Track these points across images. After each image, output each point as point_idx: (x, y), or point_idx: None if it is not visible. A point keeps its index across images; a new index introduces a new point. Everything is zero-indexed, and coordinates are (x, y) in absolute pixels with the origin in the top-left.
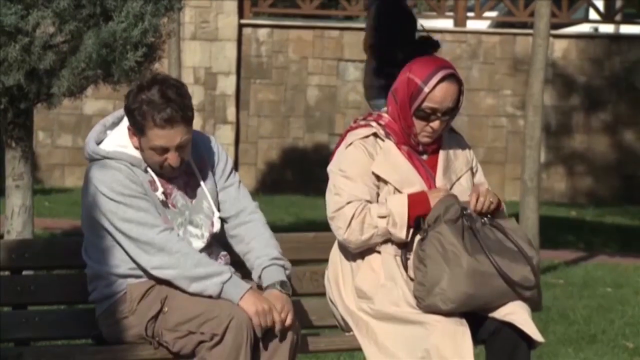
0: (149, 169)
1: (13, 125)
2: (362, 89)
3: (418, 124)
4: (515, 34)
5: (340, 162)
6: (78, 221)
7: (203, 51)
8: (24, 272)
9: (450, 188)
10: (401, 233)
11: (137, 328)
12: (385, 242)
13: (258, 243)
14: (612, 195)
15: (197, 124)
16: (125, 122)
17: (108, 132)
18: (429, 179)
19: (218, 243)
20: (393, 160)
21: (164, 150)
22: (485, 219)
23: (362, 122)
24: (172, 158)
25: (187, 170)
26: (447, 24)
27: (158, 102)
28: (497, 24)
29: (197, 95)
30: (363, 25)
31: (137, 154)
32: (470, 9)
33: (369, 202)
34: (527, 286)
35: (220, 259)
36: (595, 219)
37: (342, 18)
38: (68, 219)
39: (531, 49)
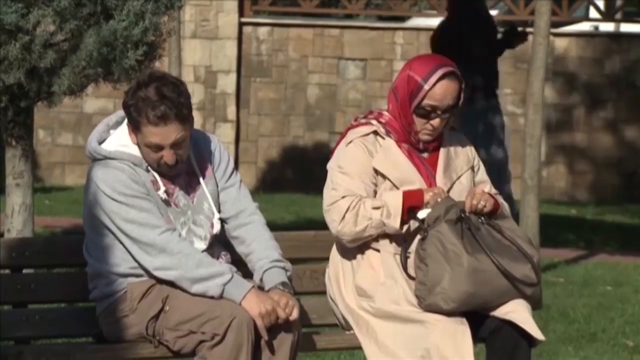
0: (150, 169)
1: (13, 123)
2: (362, 87)
3: (418, 122)
4: None
5: (339, 159)
6: (78, 219)
7: (203, 49)
8: (24, 271)
9: (451, 186)
10: (395, 222)
11: (137, 327)
12: (384, 240)
13: (258, 245)
14: (613, 194)
15: (197, 122)
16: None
17: (111, 131)
18: (429, 177)
19: (219, 243)
20: (393, 158)
21: (159, 147)
22: (483, 218)
23: (363, 120)
24: (168, 156)
25: (188, 170)
26: None
27: (153, 99)
28: (498, 22)
29: (197, 94)
30: (363, 23)
31: (138, 153)
32: None
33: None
34: (529, 283)
35: (221, 258)
36: (595, 218)
37: (343, 16)
38: (68, 217)
39: (531, 48)
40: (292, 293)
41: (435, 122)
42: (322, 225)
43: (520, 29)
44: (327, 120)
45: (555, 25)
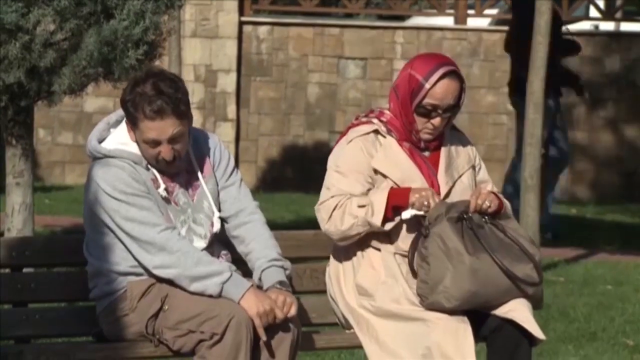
0: (150, 166)
1: (13, 122)
2: (362, 86)
3: (419, 121)
4: None
5: (337, 157)
6: (78, 219)
7: (203, 49)
8: (25, 270)
9: (452, 185)
10: (377, 220)
11: (137, 326)
12: (385, 239)
13: (257, 244)
14: (613, 193)
15: (197, 121)
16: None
17: (111, 130)
18: (431, 176)
19: (219, 242)
20: (394, 157)
21: (156, 143)
22: (486, 218)
23: (364, 119)
24: (165, 151)
25: (188, 169)
26: (447, 21)
27: (149, 94)
28: (498, 21)
29: (197, 93)
30: (363, 22)
31: (138, 151)
32: (471, 7)
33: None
34: (531, 282)
35: (221, 257)
36: (595, 217)
37: (343, 15)
38: (68, 216)
39: (532, 47)
40: (290, 291)
41: (436, 121)
42: None
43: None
44: (327, 119)
45: None
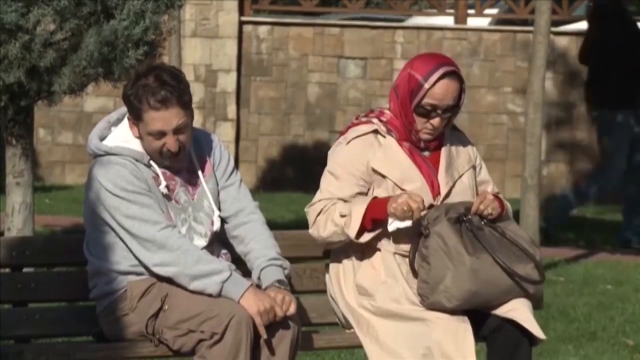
0: (152, 163)
1: (13, 122)
2: (362, 86)
3: (418, 121)
4: (515, 32)
5: (333, 158)
6: (78, 218)
7: (203, 48)
8: (25, 270)
9: (453, 185)
10: (351, 233)
11: (137, 326)
12: (385, 239)
13: (257, 244)
14: (613, 193)
15: (197, 121)
16: None
17: (112, 128)
18: (431, 176)
19: (218, 242)
20: (394, 157)
21: (161, 134)
22: (485, 220)
23: (364, 119)
24: (170, 142)
25: (188, 168)
26: (447, 21)
27: (153, 85)
28: (498, 21)
29: (197, 93)
30: (363, 22)
31: (140, 148)
32: (471, 7)
33: (344, 200)
34: (532, 281)
35: (221, 257)
36: (595, 216)
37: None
38: (68, 216)
39: (532, 47)
40: (288, 290)
41: (436, 121)
42: None
43: None
44: (327, 119)
45: (556, 23)
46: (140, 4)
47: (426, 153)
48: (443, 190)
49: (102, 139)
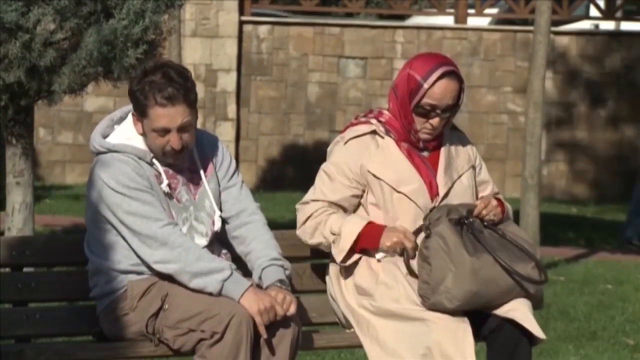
0: (155, 161)
1: (13, 122)
2: (362, 85)
3: (418, 121)
4: (515, 31)
5: (330, 156)
6: (78, 218)
7: (204, 48)
8: (25, 269)
9: (452, 186)
10: (338, 257)
11: (137, 325)
12: None
13: (258, 244)
14: (613, 192)
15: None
16: (131, 116)
17: (115, 126)
18: (429, 176)
19: (219, 242)
20: (391, 158)
21: (166, 131)
22: (485, 223)
23: (363, 119)
24: (174, 140)
25: (190, 168)
26: (447, 20)
27: (160, 81)
28: (498, 21)
29: (197, 92)
30: (363, 22)
31: (142, 146)
32: (471, 6)
33: (336, 204)
34: (533, 280)
35: (221, 256)
36: (595, 216)
37: (343, 15)
38: (68, 215)
39: (532, 46)
40: (289, 290)
41: (435, 121)
42: None
43: None
44: (327, 118)
45: (556, 23)
46: (140, 3)
47: (425, 153)
48: (442, 191)
49: (105, 136)
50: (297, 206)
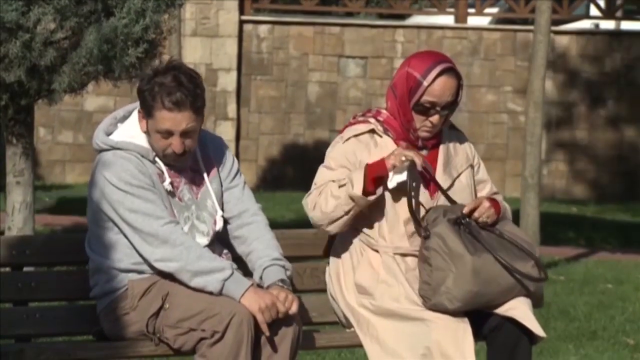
0: (157, 160)
1: (14, 121)
2: (362, 85)
3: (417, 119)
4: (516, 31)
5: (329, 154)
6: (79, 218)
7: (204, 47)
8: (25, 269)
9: (451, 184)
10: (357, 190)
11: (138, 324)
12: (382, 240)
13: (259, 244)
14: (613, 192)
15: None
16: (136, 115)
17: (118, 124)
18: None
19: (220, 242)
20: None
21: (169, 133)
22: (480, 224)
23: (361, 118)
24: (176, 144)
25: (193, 167)
26: (448, 20)
27: (169, 85)
28: (498, 20)
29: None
30: (363, 21)
31: (146, 144)
32: (471, 6)
33: None
34: (534, 278)
35: (222, 256)
36: (596, 216)
37: (343, 14)
38: (69, 215)
39: (532, 46)
40: (290, 290)
41: (434, 118)
42: None
43: None
44: (327, 118)
45: (556, 23)
46: (141, 2)
47: (424, 152)
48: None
49: (108, 134)
50: (304, 201)
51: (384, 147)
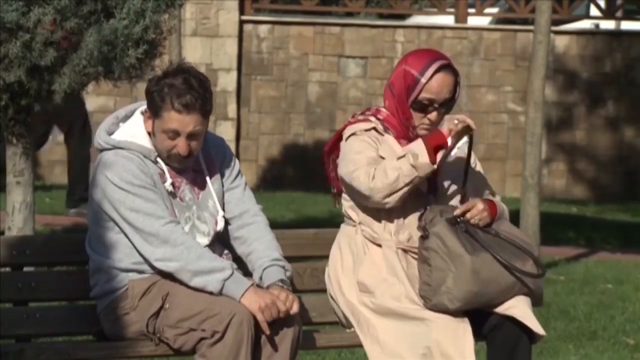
0: (159, 160)
1: (14, 121)
2: (362, 85)
3: (416, 116)
4: (516, 31)
5: (349, 151)
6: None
7: (204, 47)
8: (25, 269)
9: (451, 183)
10: (424, 158)
11: (138, 324)
12: (385, 234)
13: (260, 244)
14: (613, 192)
15: None
16: (138, 115)
17: (120, 124)
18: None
19: (221, 243)
20: (394, 153)
21: (176, 134)
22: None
23: (361, 117)
24: (182, 145)
25: (195, 168)
26: (448, 20)
27: (180, 87)
28: (498, 20)
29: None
30: (364, 21)
31: (148, 144)
32: (471, 6)
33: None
34: (534, 274)
35: (222, 257)
36: (596, 216)
37: (343, 14)
38: (69, 215)
39: (532, 46)
40: (290, 290)
41: (433, 115)
42: (322, 223)
43: None
44: (327, 118)
45: (556, 23)
46: (141, 3)
47: None
48: (441, 188)
49: (110, 133)
50: (350, 175)
51: (387, 144)
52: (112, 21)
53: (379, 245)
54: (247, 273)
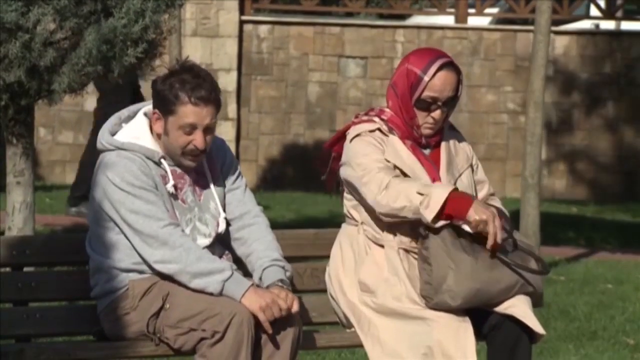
0: (162, 161)
1: (14, 121)
2: (362, 85)
3: (420, 115)
4: (516, 31)
5: (355, 153)
6: (79, 218)
7: (204, 47)
8: (25, 269)
9: (454, 184)
10: (429, 215)
11: (138, 324)
12: (388, 234)
13: (260, 245)
14: (613, 192)
15: None
16: (141, 116)
17: (123, 124)
18: (433, 172)
19: (221, 243)
20: (400, 154)
21: (193, 128)
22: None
23: (365, 118)
24: (199, 139)
25: (197, 169)
26: (448, 20)
27: (192, 81)
28: (498, 20)
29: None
30: (364, 21)
31: (151, 145)
32: (471, 6)
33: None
34: (536, 270)
35: (222, 257)
36: (596, 216)
37: (343, 14)
38: (69, 215)
39: (532, 46)
40: (290, 290)
41: (436, 114)
42: (323, 223)
43: None
44: (327, 118)
45: (556, 23)
46: (140, 2)
47: (426, 151)
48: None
49: (112, 134)
50: (361, 180)
51: (392, 144)
52: (110, 20)
53: (381, 246)
54: (248, 274)
